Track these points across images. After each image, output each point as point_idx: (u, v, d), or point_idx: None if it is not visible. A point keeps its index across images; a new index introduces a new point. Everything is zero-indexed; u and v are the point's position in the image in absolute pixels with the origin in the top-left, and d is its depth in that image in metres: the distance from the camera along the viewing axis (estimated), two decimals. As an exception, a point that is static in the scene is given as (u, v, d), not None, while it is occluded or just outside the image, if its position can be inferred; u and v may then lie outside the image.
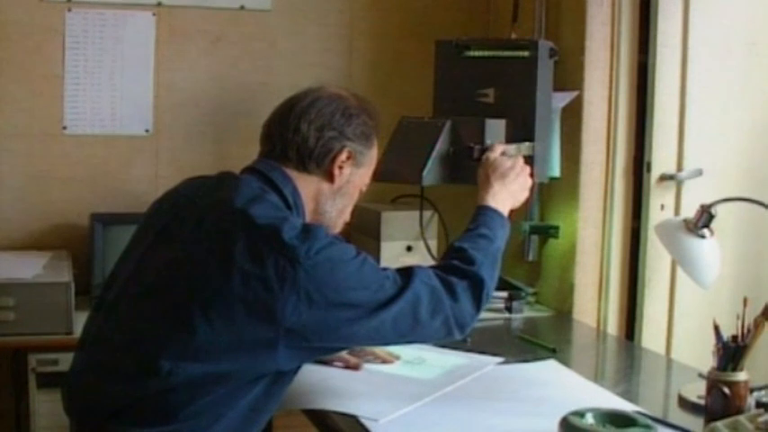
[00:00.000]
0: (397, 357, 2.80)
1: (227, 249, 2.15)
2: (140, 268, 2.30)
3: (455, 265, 2.43)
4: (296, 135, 2.36)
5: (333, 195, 2.42)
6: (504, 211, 2.66)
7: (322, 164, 2.38)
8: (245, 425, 2.23)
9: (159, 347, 2.14)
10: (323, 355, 2.55)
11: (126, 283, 2.31)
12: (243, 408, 2.20)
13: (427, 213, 3.46)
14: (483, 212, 2.63)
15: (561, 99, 3.40)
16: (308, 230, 2.19)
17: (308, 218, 2.39)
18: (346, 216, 2.51)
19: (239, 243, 2.15)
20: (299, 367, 2.32)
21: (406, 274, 2.31)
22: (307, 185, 2.38)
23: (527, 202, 2.92)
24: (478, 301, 2.40)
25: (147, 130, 3.79)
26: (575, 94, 3.41)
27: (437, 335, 2.37)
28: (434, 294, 2.33)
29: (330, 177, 2.39)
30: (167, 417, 2.15)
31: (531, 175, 2.85)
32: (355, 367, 2.72)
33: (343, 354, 2.71)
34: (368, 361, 2.77)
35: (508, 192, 2.70)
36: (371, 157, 2.50)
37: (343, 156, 2.39)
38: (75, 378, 2.34)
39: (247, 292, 2.11)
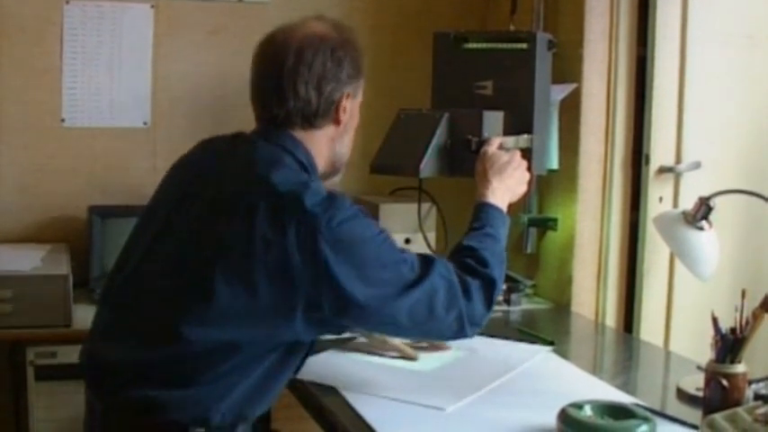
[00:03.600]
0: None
1: (249, 216, 2.18)
2: (162, 234, 2.33)
3: (470, 264, 2.43)
4: (296, 101, 2.34)
5: (341, 135, 2.45)
6: (503, 206, 2.66)
7: (327, 116, 2.39)
8: (260, 392, 2.26)
9: (180, 313, 2.17)
10: (341, 331, 2.52)
11: (149, 247, 2.34)
12: (259, 375, 2.23)
13: (425, 206, 3.45)
14: (484, 210, 2.63)
15: (559, 91, 3.39)
16: (332, 199, 2.22)
17: (324, 166, 2.42)
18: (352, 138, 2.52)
19: (261, 210, 2.18)
20: (314, 340, 2.37)
21: (426, 263, 2.31)
22: (316, 140, 2.40)
23: (525, 195, 2.92)
24: (489, 301, 2.41)
25: (145, 123, 3.78)
26: (573, 86, 3.41)
27: (449, 331, 2.37)
28: (451, 289, 2.33)
29: (336, 122, 2.41)
30: (185, 381, 2.18)
31: (529, 168, 2.85)
32: (411, 357, 2.76)
33: (398, 342, 2.77)
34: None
35: (506, 186, 2.70)
36: (362, 80, 2.49)
37: (344, 100, 2.40)
38: (95, 341, 2.37)
39: (268, 260, 2.14)
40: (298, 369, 2.41)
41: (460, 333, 2.38)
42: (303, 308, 2.16)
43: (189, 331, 2.16)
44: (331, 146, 2.43)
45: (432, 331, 2.40)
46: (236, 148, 2.39)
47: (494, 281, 2.43)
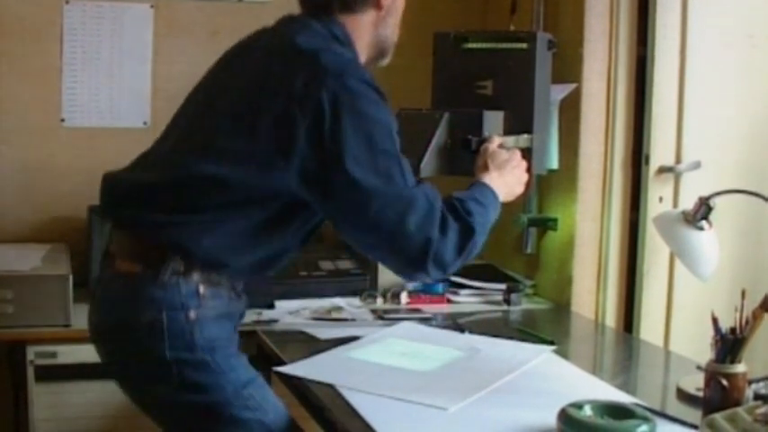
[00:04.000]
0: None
1: (267, 64, 2.37)
2: (196, 92, 2.59)
3: (456, 207, 2.45)
4: None
5: (384, 19, 2.55)
6: (500, 197, 2.67)
7: (367, 0, 2.51)
8: (245, 243, 2.40)
9: (189, 146, 2.42)
10: (331, 197, 2.39)
11: (184, 105, 2.61)
12: (248, 225, 2.38)
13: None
14: (478, 186, 2.65)
15: (560, 91, 3.39)
16: (352, 64, 2.38)
17: (368, 50, 2.56)
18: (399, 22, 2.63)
19: (277, 60, 2.36)
20: (314, 221, 2.48)
21: (417, 179, 2.39)
22: (358, 25, 2.51)
23: (523, 196, 2.92)
24: (462, 249, 2.42)
25: (144, 123, 3.79)
26: (573, 86, 3.41)
27: (412, 252, 2.36)
28: (430, 213, 2.36)
29: (378, 6, 2.51)
30: (177, 207, 2.37)
31: (529, 168, 2.85)
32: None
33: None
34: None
35: (504, 181, 2.72)
36: None
37: None
38: (120, 175, 2.58)
39: (273, 106, 2.30)
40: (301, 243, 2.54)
41: (421, 263, 2.37)
42: (298, 156, 2.29)
43: (192, 162, 2.36)
44: (373, 30, 2.54)
45: (394, 244, 2.38)
46: (278, 26, 2.55)
47: (473, 230, 2.43)
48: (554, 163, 3.46)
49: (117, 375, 2.54)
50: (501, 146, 2.86)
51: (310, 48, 2.37)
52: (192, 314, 2.37)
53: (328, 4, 2.48)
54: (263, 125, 2.31)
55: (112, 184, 2.55)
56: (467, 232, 2.42)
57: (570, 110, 3.44)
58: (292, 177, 2.32)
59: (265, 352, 2.94)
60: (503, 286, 3.55)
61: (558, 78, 3.35)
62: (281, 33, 2.49)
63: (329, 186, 2.33)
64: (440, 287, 3.54)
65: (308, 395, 2.53)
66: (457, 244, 2.40)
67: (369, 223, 2.36)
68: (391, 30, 2.60)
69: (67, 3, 3.69)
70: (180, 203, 2.38)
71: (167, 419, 2.51)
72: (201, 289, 2.39)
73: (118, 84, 3.78)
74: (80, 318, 3.18)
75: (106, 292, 2.49)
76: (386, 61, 2.66)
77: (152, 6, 3.77)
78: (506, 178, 2.73)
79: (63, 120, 3.72)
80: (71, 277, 3.18)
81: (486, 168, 2.74)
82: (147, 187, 2.44)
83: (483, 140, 2.88)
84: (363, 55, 2.55)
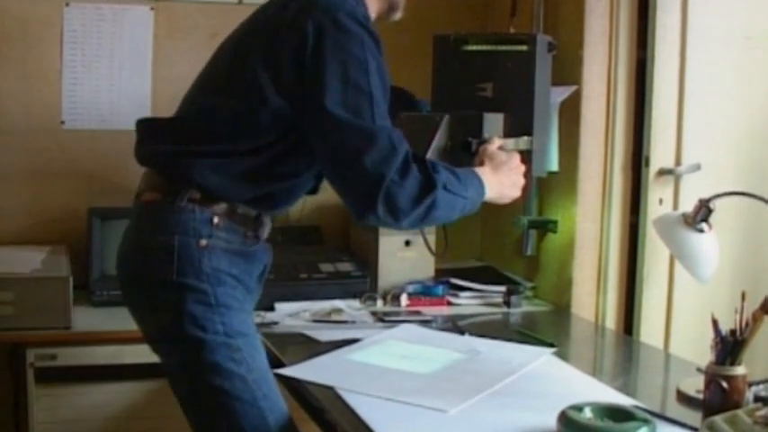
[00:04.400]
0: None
1: (270, 9, 2.56)
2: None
3: (425, 162, 2.47)
4: None
5: None
6: (488, 189, 2.66)
7: None
8: (250, 179, 2.47)
9: (200, 85, 2.63)
10: (304, 117, 2.47)
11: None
12: (252, 162, 2.46)
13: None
14: (465, 169, 2.66)
15: (559, 93, 3.39)
16: (349, 3, 2.43)
17: (379, 5, 2.65)
18: None
19: (280, 3, 2.51)
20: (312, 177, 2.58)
21: (385, 123, 2.41)
22: None
23: (522, 198, 2.91)
24: (418, 202, 2.41)
25: (145, 125, 3.78)
26: (573, 88, 3.41)
27: (362, 188, 2.38)
28: (390, 155, 2.37)
29: None
30: (198, 140, 2.48)
31: (528, 172, 2.85)
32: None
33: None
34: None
35: (497, 179, 2.72)
36: None
37: None
38: (147, 119, 2.77)
39: (268, 34, 2.45)
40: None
41: (371, 201, 2.37)
42: (282, 74, 2.39)
43: (202, 99, 2.55)
44: None
45: (348, 177, 2.42)
46: None
47: (434, 187, 2.42)
48: (554, 165, 3.45)
49: (129, 301, 2.60)
50: (501, 148, 2.86)
51: None
52: (204, 242, 2.43)
53: None
54: (257, 53, 2.45)
55: (139, 126, 2.70)
56: (427, 186, 2.41)
57: (570, 112, 3.44)
58: (278, 96, 2.41)
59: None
60: (503, 288, 3.55)
61: (558, 80, 3.35)
62: None
63: (303, 107, 2.40)
64: (440, 289, 3.54)
65: (308, 397, 2.53)
66: (413, 194, 2.39)
67: (328, 152, 2.42)
68: None
69: (67, 5, 3.69)
70: (188, 137, 2.51)
71: (165, 354, 2.55)
72: (216, 219, 2.46)
73: (118, 86, 3.78)
74: (80, 320, 3.20)
75: (131, 220, 2.61)
76: (398, 15, 2.73)
77: (152, 8, 3.78)
78: (500, 177, 2.73)
79: (63, 122, 3.73)
80: (71, 279, 3.18)
81: (481, 164, 2.74)
82: (164, 123, 2.63)
83: (483, 142, 2.88)
84: (374, 8, 2.63)
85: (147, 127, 2.67)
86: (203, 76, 2.64)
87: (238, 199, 2.49)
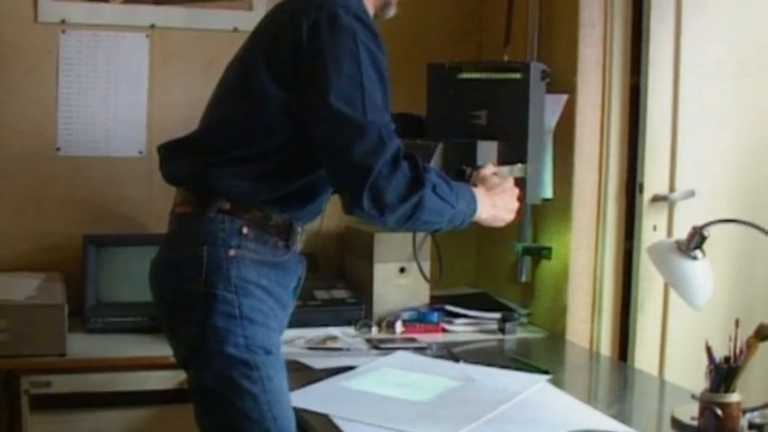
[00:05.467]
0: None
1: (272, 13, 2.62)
2: None
3: (417, 161, 2.46)
4: None
5: None
6: (481, 209, 2.66)
7: None
8: (269, 182, 2.49)
9: (214, 100, 2.66)
10: (301, 106, 2.50)
11: None
12: (269, 165, 2.48)
13: (420, 235, 3.46)
14: (461, 184, 2.66)
15: (552, 105, 3.39)
16: (362, 8, 2.48)
17: (375, 2, 2.68)
18: None
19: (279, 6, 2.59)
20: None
21: (378, 117, 2.41)
22: None
23: (515, 223, 2.91)
24: (405, 199, 2.41)
25: (140, 152, 3.79)
26: (564, 97, 3.42)
27: (350, 179, 2.40)
28: (378, 148, 2.38)
29: None
30: (218, 150, 2.51)
31: (522, 198, 2.86)
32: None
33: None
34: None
35: (491, 201, 2.72)
36: None
37: None
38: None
39: (269, 35, 2.52)
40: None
41: (357, 193, 2.37)
42: (278, 68, 2.44)
43: (215, 111, 2.61)
44: None
45: (337, 170, 2.44)
46: None
47: (422, 186, 2.42)
48: (548, 192, 3.46)
49: (160, 316, 2.61)
50: (495, 174, 2.86)
51: None
52: (232, 252, 2.44)
53: None
54: (259, 56, 2.50)
55: (160, 149, 2.70)
56: (415, 184, 2.41)
57: (564, 139, 3.45)
58: (280, 93, 2.45)
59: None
60: (498, 315, 3.56)
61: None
62: None
63: (304, 101, 2.43)
64: (434, 316, 3.55)
65: (303, 425, 2.52)
66: (400, 190, 2.40)
67: (321, 143, 2.43)
68: None
69: (63, 32, 3.70)
70: (207, 149, 2.55)
71: (190, 367, 2.52)
72: (245, 230, 2.46)
73: (113, 113, 3.78)
74: (75, 347, 3.19)
75: (166, 234, 2.62)
76: (391, 12, 2.77)
77: (147, 36, 3.79)
78: (494, 200, 2.73)
79: (59, 149, 3.73)
80: (66, 306, 3.18)
81: (474, 187, 2.75)
82: (183, 141, 2.64)
83: (477, 169, 2.89)
84: (369, 4, 2.65)
85: (167, 148, 2.67)
86: (216, 90, 2.68)
87: (265, 200, 2.49)
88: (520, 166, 3.10)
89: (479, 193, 2.68)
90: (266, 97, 2.45)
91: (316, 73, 2.39)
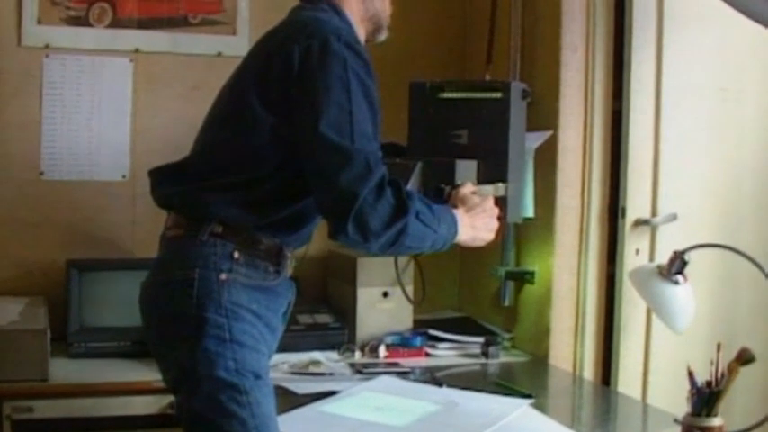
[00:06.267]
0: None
1: (267, 38, 2.61)
2: None
3: (401, 188, 2.47)
4: None
5: None
6: (461, 231, 2.66)
7: None
8: (261, 208, 2.50)
9: (205, 127, 2.65)
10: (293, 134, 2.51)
11: None
12: (261, 192, 2.49)
13: (403, 258, 3.47)
14: (442, 207, 2.66)
15: (535, 139, 3.40)
16: (337, 28, 2.51)
17: (363, 25, 2.71)
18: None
19: (279, 33, 2.58)
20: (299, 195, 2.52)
21: (366, 145, 2.42)
22: (348, 1, 2.66)
23: (493, 244, 2.90)
24: (389, 226, 2.41)
25: (123, 176, 3.79)
26: (548, 134, 3.43)
27: (336, 205, 2.40)
28: (364, 175, 2.39)
29: None
30: (209, 175, 2.52)
31: (503, 217, 2.86)
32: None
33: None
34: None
35: (470, 222, 2.72)
36: None
37: None
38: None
39: (259, 62, 2.53)
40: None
41: (341, 222, 2.38)
42: (267, 95, 2.45)
43: (207, 136, 2.61)
44: (361, 3, 2.70)
45: (323, 196, 2.44)
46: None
47: (406, 214, 2.42)
48: (529, 211, 3.47)
49: (150, 340, 2.59)
50: (474, 193, 2.87)
51: (296, 19, 2.60)
52: (224, 276, 2.44)
53: None
54: (250, 82, 2.51)
55: (151, 174, 2.71)
56: (399, 211, 2.42)
57: (547, 163, 3.46)
58: (270, 120, 2.46)
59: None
60: (481, 339, 3.56)
61: (534, 130, 3.37)
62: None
63: (294, 128, 2.44)
64: (418, 340, 3.55)
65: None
66: (385, 218, 2.40)
67: (309, 169, 2.43)
68: (380, 4, 2.74)
69: (47, 56, 3.70)
70: (199, 174, 2.54)
71: (179, 390, 2.50)
72: (236, 254, 2.46)
73: (97, 137, 3.78)
74: (57, 372, 3.18)
75: (157, 257, 2.61)
76: (382, 37, 2.80)
77: (131, 60, 3.79)
78: (473, 220, 2.73)
79: (42, 173, 3.72)
80: (48, 331, 3.16)
81: (455, 209, 2.75)
82: (175, 166, 2.64)
83: (456, 188, 2.89)
84: (360, 30, 2.69)
85: (159, 173, 2.68)
86: (208, 115, 2.68)
87: (256, 226, 2.50)
88: (500, 185, 3.10)
89: (459, 214, 2.69)
90: (257, 123, 2.46)
91: (306, 100, 2.40)
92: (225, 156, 2.53)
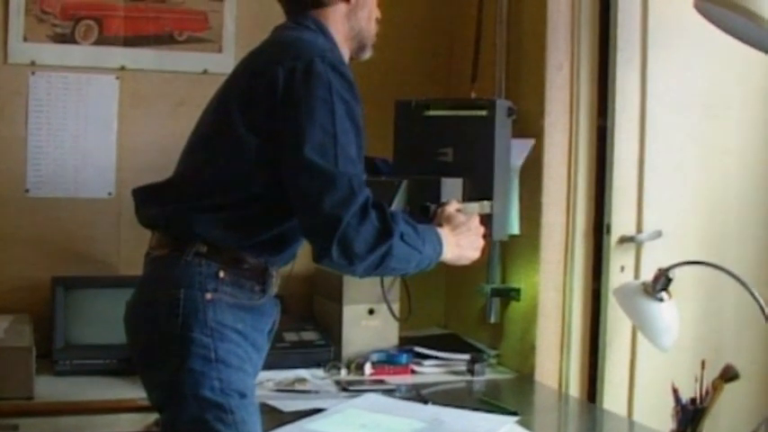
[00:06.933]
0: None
1: (250, 56, 2.63)
2: None
3: (385, 210, 2.47)
4: None
5: (354, 11, 2.71)
6: (445, 249, 2.66)
7: None
8: (244, 229, 2.50)
9: (188, 148, 2.65)
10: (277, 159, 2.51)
11: None
12: (245, 214, 2.50)
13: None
14: (427, 227, 2.66)
15: (519, 149, 3.41)
16: (321, 48, 2.52)
17: (347, 43, 2.72)
18: (375, 16, 2.79)
19: (264, 53, 2.59)
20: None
21: (350, 170, 2.42)
22: (330, 17, 2.67)
23: (478, 262, 2.91)
24: (374, 248, 2.41)
25: (109, 194, 3.78)
26: (531, 142, 3.44)
27: (320, 228, 2.40)
28: (348, 198, 2.39)
29: (345, 0, 2.69)
30: (179, 198, 2.54)
31: (488, 235, 2.86)
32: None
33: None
34: None
35: (455, 240, 2.72)
36: None
37: None
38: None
39: (243, 83, 2.53)
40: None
41: (326, 245, 2.38)
42: (251, 117, 2.46)
43: (191, 157, 2.61)
44: (347, 23, 2.70)
45: (307, 219, 2.44)
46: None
47: (391, 236, 2.42)
48: (515, 228, 3.48)
49: (136, 360, 2.59)
50: (460, 211, 2.87)
51: (280, 39, 2.61)
52: (209, 295, 2.44)
53: (301, 2, 2.66)
54: (234, 102, 2.51)
55: (135, 193, 2.71)
56: (384, 234, 2.42)
57: (532, 180, 3.46)
58: (254, 142, 2.46)
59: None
60: (467, 356, 3.56)
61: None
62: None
63: (278, 151, 2.44)
64: (403, 358, 3.55)
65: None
66: (369, 241, 2.40)
67: (293, 192, 2.43)
68: (365, 23, 2.74)
69: (33, 74, 3.70)
70: (184, 195, 2.54)
71: (164, 410, 2.50)
72: (222, 273, 2.46)
73: (83, 154, 3.77)
74: (43, 390, 3.17)
75: (141, 276, 2.61)
76: (367, 55, 2.81)
77: (117, 78, 3.79)
78: (458, 239, 2.73)
79: (27, 190, 3.72)
80: (34, 349, 3.15)
81: (440, 227, 2.75)
82: (159, 187, 2.64)
83: (441, 206, 2.89)
84: (345, 48, 2.70)
85: (144, 192, 2.68)
86: (192, 135, 2.68)
87: (242, 246, 2.50)
88: (486, 202, 3.10)
89: (444, 233, 2.69)
90: (241, 144, 2.46)
91: (290, 122, 2.40)
92: (209, 177, 2.53)
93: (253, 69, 2.54)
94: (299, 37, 2.58)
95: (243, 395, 2.43)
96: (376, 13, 2.79)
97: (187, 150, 2.66)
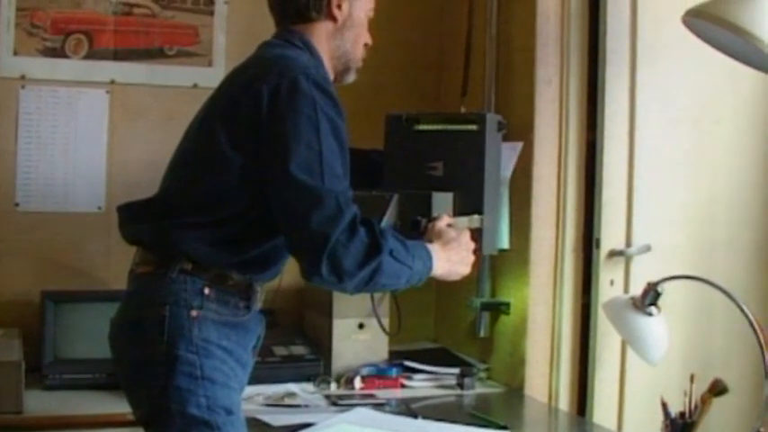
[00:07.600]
0: None
1: (234, 73, 2.65)
2: None
3: (374, 226, 2.47)
4: None
5: (340, 32, 2.72)
6: (436, 266, 2.66)
7: (320, 10, 2.68)
8: (231, 246, 2.50)
9: (172, 163, 2.66)
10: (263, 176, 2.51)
11: None
12: (229, 231, 2.50)
13: (379, 290, 3.46)
14: (416, 243, 2.66)
15: (508, 154, 3.41)
16: (305, 65, 2.53)
17: (330, 61, 2.72)
18: (363, 41, 2.79)
19: (249, 70, 2.58)
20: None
21: (336, 185, 2.42)
22: (315, 33, 2.69)
23: (469, 277, 2.91)
24: (363, 265, 2.41)
25: (99, 208, 3.78)
26: (519, 145, 3.44)
27: (308, 246, 2.40)
28: (336, 216, 2.39)
29: (332, 18, 2.69)
30: (165, 215, 2.54)
31: (478, 249, 2.87)
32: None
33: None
34: None
35: (446, 256, 2.72)
36: None
37: None
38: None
39: (226, 99, 2.56)
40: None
41: (315, 263, 2.38)
42: (236, 134, 2.47)
43: (175, 174, 2.62)
44: (331, 41, 2.71)
45: (295, 237, 2.44)
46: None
47: (380, 252, 2.43)
48: (505, 242, 3.48)
49: (121, 376, 2.60)
50: (450, 225, 2.87)
51: (264, 56, 2.62)
52: (194, 312, 2.44)
53: (286, 15, 2.69)
54: (218, 119, 2.53)
55: (120, 210, 2.71)
56: (373, 250, 2.42)
57: (521, 194, 3.47)
58: (238, 160, 2.47)
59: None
60: (456, 370, 3.55)
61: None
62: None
63: (263, 168, 2.45)
64: (393, 372, 3.54)
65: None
66: (358, 257, 2.40)
67: (279, 210, 2.44)
68: (350, 45, 2.75)
69: (23, 87, 3.70)
70: (168, 212, 2.54)
71: (149, 427, 2.51)
72: (207, 290, 2.47)
73: (73, 168, 3.77)
74: (32, 404, 3.16)
75: (126, 293, 2.61)
76: (350, 79, 2.82)
77: (107, 91, 3.79)
78: (449, 254, 2.74)
79: (17, 204, 3.71)
80: (23, 363, 3.15)
81: (429, 242, 2.76)
82: (144, 204, 2.64)
83: (432, 220, 2.90)
84: (328, 66, 2.71)
85: (127, 209, 2.68)
86: (176, 152, 2.68)
87: (228, 264, 2.50)
88: (476, 217, 3.10)
89: (435, 248, 2.69)
90: (225, 164, 2.47)
91: (275, 140, 2.41)
92: (193, 195, 2.53)
93: (237, 87, 2.55)
94: (284, 54, 2.58)
95: (229, 412, 2.43)
96: (366, 38, 2.79)
97: (171, 167, 2.66)
